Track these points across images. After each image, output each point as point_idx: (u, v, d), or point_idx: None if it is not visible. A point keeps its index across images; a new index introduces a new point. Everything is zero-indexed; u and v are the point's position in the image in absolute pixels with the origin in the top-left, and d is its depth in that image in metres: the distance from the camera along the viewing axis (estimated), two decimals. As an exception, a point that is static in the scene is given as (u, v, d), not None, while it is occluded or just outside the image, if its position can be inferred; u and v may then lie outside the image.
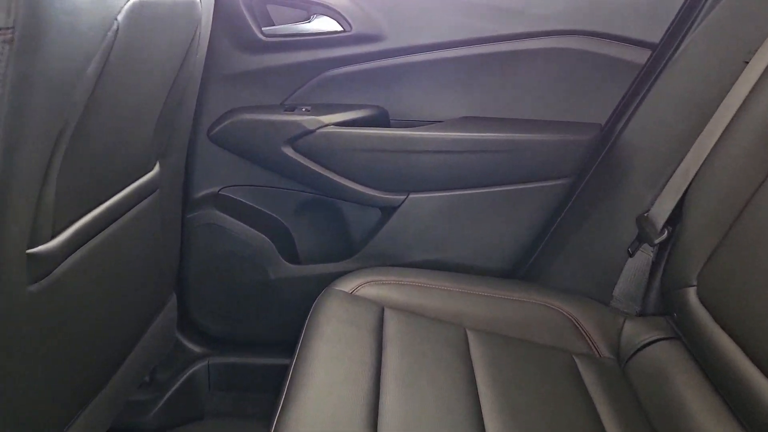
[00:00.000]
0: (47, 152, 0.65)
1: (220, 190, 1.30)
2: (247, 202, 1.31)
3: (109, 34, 0.66)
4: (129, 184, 0.92)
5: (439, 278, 1.17)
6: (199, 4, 0.90)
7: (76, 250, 0.78)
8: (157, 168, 1.01)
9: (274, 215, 1.32)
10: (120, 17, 0.67)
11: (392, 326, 1.01)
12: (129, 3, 0.68)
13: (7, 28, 0.53)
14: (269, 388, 1.32)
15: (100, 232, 0.84)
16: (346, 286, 1.11)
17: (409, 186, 1.22)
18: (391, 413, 0.82)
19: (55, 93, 0.61)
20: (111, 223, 0.87)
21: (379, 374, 0.89)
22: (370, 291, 1.11)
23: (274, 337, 1.33)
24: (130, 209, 0.93)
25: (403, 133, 1.18)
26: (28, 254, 0.68)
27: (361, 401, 0.82)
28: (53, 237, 0.73)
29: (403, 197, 1.23)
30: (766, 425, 0.74)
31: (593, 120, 1.19)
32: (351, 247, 1.30)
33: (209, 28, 1.04)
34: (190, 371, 1.33)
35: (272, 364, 1.32)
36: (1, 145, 0.57)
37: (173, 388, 1.32)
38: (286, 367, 0.91)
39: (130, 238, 0.94)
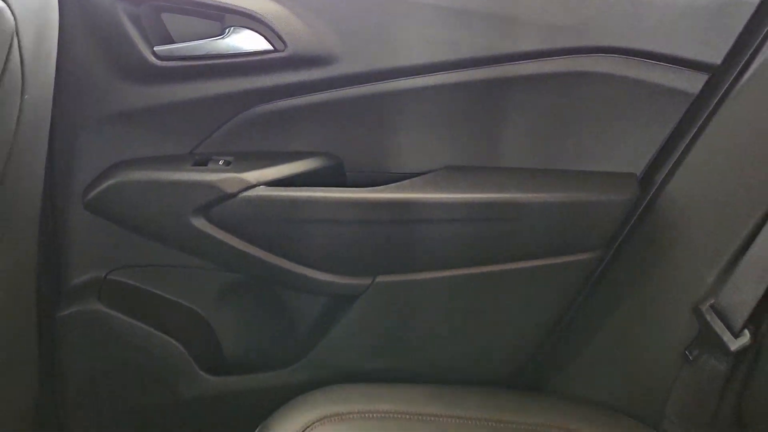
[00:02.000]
0: None
1: (107, 275, 0.92)
2: (147, 288, 0.93)
3: None
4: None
5: (422, 399, 0.82)
6: (8, 9, 0.53)
7: None
8: None
9: (187, 304, 0.95)
10: None
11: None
12: None
13: None
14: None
15: None
16: (293, 423, 0.76)
17: (376, 267, 0.87)
18: None
19: None
20: None
21: None
22: (329, 430, 0.75)
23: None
24: None
25: (364, 195, 0.83)
26: None
27: None
28: None
29: (367, 282, 0.87)
30: None
31: (625, 169, 0.87)
32: (294, 351, 0.94)
33: (54, 46, 0.67)
34: None
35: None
36: None
37: None
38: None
39: None
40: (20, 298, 0.78)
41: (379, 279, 0.87)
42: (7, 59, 0.56)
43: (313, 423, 0.76)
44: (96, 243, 0.90)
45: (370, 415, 0.78)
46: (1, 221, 0.67)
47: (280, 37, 0.81)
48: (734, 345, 0.75)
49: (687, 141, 0.84)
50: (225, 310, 0.96)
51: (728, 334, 0.76)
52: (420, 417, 0.79)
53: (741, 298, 0.75)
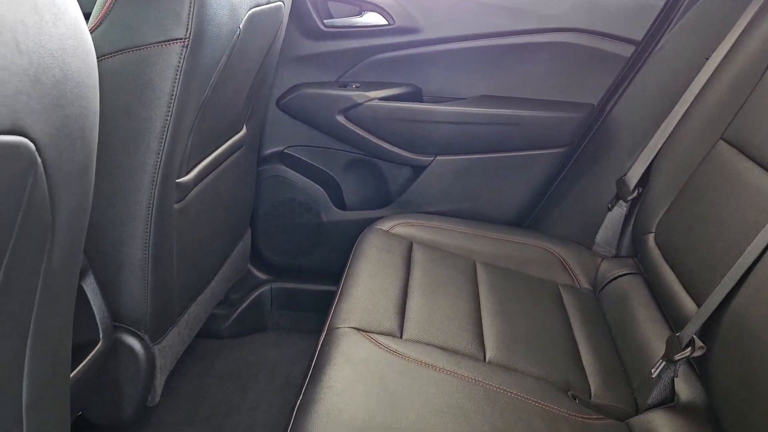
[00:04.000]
0: (194, 116, 0.98)
1: (284, 149, 1.62)
2: (306, 160, 1.63)
3: (234, 37, 0.98)
4: (227, 141, 1.25)
5: (457, 223, 1.49)
6: (284, 7, 1.22)
7: (197, 185, 1.12)
8: (244, 130, 1.34)
9: (327, 171, 1.64)
10: (242, 25, 0.99)
11: (418, 255, 1.33)
12: (247, 14, 1.00)
13: (185, 38, 0.85)
14: (319, 309, 1.66)
15: (209, 174, 1.18)
16: (384, 225, 1.44)
17: (436, 150, 1.53)
18: (414, 309, 1.14)
19: (204, 78, 0.94)
20: (215, 169, 1.21)
21: (407, 285, 1.21)
22: (402, 230, 1.43)
23: (323, 268, 1.66)
24: (226, 159, 1.26)
25: (432, 107, 1.49)
26: (177, 182, 1.02)
27: (394, 299, 1.15)
28: (187, 173, 1.06)
29: (431, 159, 1.54)
30: (682, 326, 1.05)
31: (587, 101, 1.48)
32: (387, 198, 1.62)
33: (286, 23, 1.36)
34: (257, 293, 1.67)
35: (322, 290, 1.66)
36: (175, 112, 0.90)
37: (243, 306, 1.66)
38: (333, 292, 1.22)
39: (225, 181, 1.28)
40: (252, 156, 1.48)
41: (438, 157, 1.54)
42: (277, 33, 1.25)
43: (395, 225, 1.44)
44: (280, 130, 1.60)
45: (426, 225, 1.45)
46: (257, 109, 1.37)
47: (391, 16, 1.48)
48: (629, 196, 1.36)
49: (625, 85, 1.45)
50: (348, 174, 1.64)
51: (628, 191, 1.37)
52: (454, 230, 1.46)
53: (636, 171, 1.37)
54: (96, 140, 0.60)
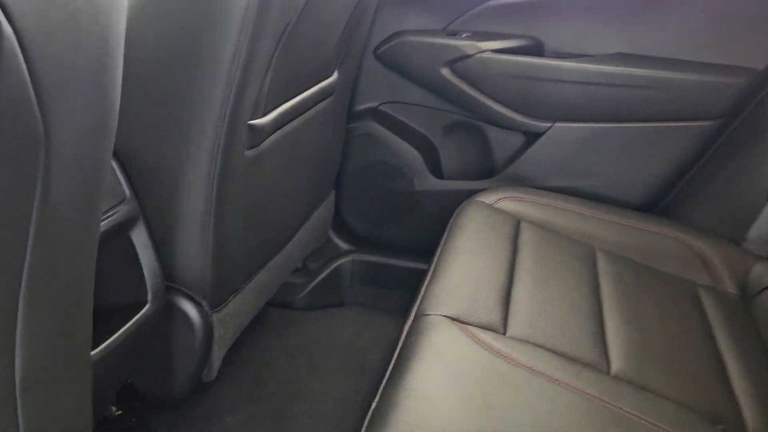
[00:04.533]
0: (273, 47, 0.80)
1: (378, 106, 1.44)
2: (401, 119, 1.44)
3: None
4: (314, 85, 1.07)
5: (574, 203, 1.25)
6: None
7: (276, 131, 0.95)
8: (335, 76, 1.16)
9: (424, 132, 1.44)
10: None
11: (527, 236, 1.11)
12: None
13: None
14: (404, 288, 1.48)
15: (290, 121, 1.00)
16: (487, 198, 1.23)
17: (555, 115, 1.30)
18: (521, 300, 0.93)
19: (287, 4, 0.76)
20: (298, 116, 1.03)
21: (513, 270, 1.01)
22: (509, 205, 1.22)
23: (413, 243, 1.47)
24: (312, 107, 1.09)
25: (555, 63, 1.25)
26: (249, 124, 0.85)
27: (497, 285, 0.94)
28: (264, 115, 0.90)
29: (548, 125, 1.31)
30: None
31: (751, 66, 1.20)
32: (491, 168, 1.41)
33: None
34: (337, 264, 1.51)
35: (409, 267, 1.47)
36: (250, 37, 0.73)
37: (321, 276, 1.50)
38: (423, 271, 1.04)
39: (309, 132, 1.10)
40: (342, 109, 1.31)
41: (557, 124, 1.30)
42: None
43: (501, 199, 1.22)
44: (376, 83, 1.41)
45: (538, 202, 1.23)
46: (350, 54, 1.19)
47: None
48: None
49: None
50: (447, 138, 1.44)
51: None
52: (571, 210, 1.23)
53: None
54: (121, 44, 0.43)
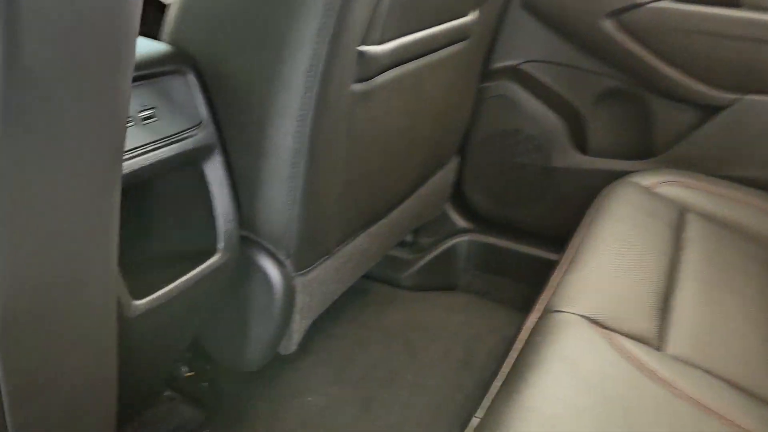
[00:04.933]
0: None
1: (519, 64, 1.23)
2: (546, 81, 1.22)
3: None
4: (445, 22, 0.89)
5: (757, 197, 0.99)
6: None
7: (393, 67, 0.78)
8: (472, 16, 0.98)
9: (571, 99, 1.22)
10: None
11: (695, 230, 0.87)
12: None
13: None
14: (527, 278, 1.27)
15: (413, 59, 0.83)
16: (643, 181, 1.00)
17: (749, 84, 1.03)
18: (684, 309, 0.71)
19: None
20: (423, 55, 0.86)
21: (675, 270, 0.78)
22: (671, 191, 0.98)
23: (543, 227, 1.26)
24: (439, 49, 0.91)
25: (756, 16, 0.98)
26: (359, 50, 0.69)
27: (653, 286, 0.72)
28: (381, 43, 0.73)
29: (734, 97, 1.04)
30: None
31: None
32: (650, 147, 1.16)
33: None
34: (451, 242, 1.33)
35: (536, 255, 1.26)
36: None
37: (432, 255, 1.33)
38: (551, 262, 0.84)
39: (433, 78, 0.93)
40: (475, 61, 1.12)
41: (749, 96, 1.04)
42: None
43: (660, 183, 0.99)
44: (520, 37, 1.20)
45: (710, 191, 0.98)
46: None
47: None
48: None
49: None
50: (599, 107, 1.21)
51: None
52: (754, 205, 0.97)
53: None
54: None
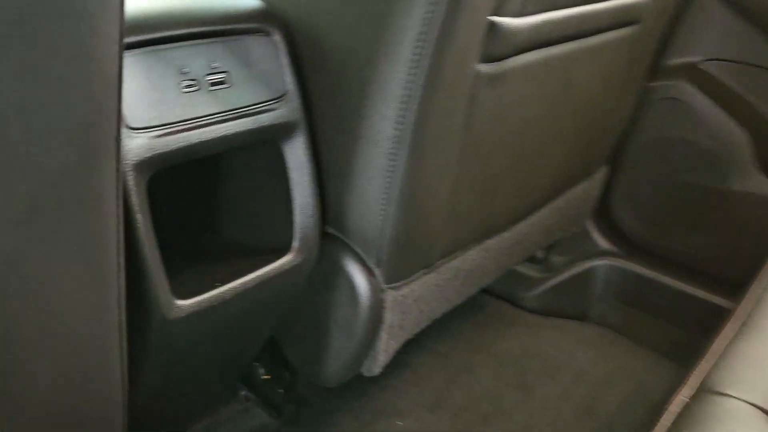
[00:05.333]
0: None
1: (700, 62, 1.01)
2: (731, 85, 0.99)
3: None
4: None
5: None
6: None
7: (532, 49, 0.63)
8: (646, -4, 0.79)
9: (762, 110, 0.98)
10: None
11: None
12: None
13: None
14: (679, 322, 1.06)
15: (560, 41, 0.67)
16: None
17: None
18: None
19: None
20: (574, 39, 0.69)
21: None
22: None
23: (710, 265, 1.04)
24: (598, 32, 0.73)
25: None
26: (489, 21, 0.54)
27: None
28: (520, 16, 0.58)
29: None
30: None
31: None
32: None
33: None
34: (589, 265, 1.14)
35: (695, 296, 1.04)
36: None
37: (564, 276, 1.15)
38: (717, 308, 0.65)
39: (586, 68, 0.75)
40: (644, 53, 0.93)
41: None
42: None
43: None
44: (704, 29, 0.99)
45: None
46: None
47: None
48: None
49: None
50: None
51: None
52: None
53: None
54: None
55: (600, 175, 1.04)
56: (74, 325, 0.35)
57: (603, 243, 1.16)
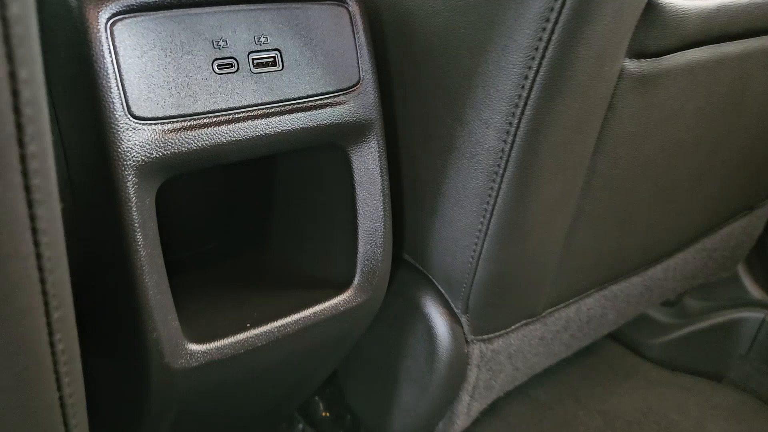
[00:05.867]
0: None
1: None
2: None
3: None
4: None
5: None
6: None
7: (703, 44, 0.46)
8: None
9: None
10: None
11: None
12: None
13: None
14: None
15: (739, 37, 0.49)
16: None
17: None
18: None
19: None
20: (755, 35, 0.51)
21: None
22: None
23: None
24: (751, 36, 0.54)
25: None
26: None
27: None
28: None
29: None
30: None
31: None
32: None
33: None
34: (735, 316, 0.95)
35: None
36: None
37: (701, 325, 0.98)
38: None
39: (764, 79, 0.57)
40: None
41: None
42: None
43: None
44: None
45: None
46: None
47: None
48: None
49: None
50: None
51: None
52: None
53: None
54: None
55: (763, 211, 0.83)
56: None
57: (755, 292, 0.94)
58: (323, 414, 0.71)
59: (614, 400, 0.91)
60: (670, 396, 0.93)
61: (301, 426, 0.73)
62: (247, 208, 0.49)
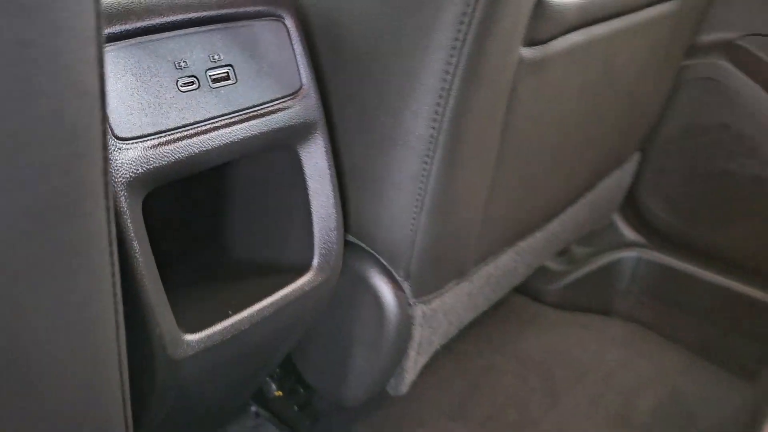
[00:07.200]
0: None
1: (738, 38, 0.93)
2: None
3: None
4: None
5: None
6: None
7: (577, 29, 0.55)
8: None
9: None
10: None
11: None
12: None
13: None
14: (717, 319, 0.99)
15: (605, 19, 0.59)
16: None
17: None
18: None
19: None
20: (617, 16, 0.61)
21: None
22: None
23: (751, 258, 0.97)
24: (640, 8, 0.65)
25: None
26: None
27: None
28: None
29: None
30: None
31: None
32: None
33: None
34: (615, 257, 1.07)
35: (735, 291, 0.97)
36: None
37: (588, 268, 1.09)
38: (754, 300, 0.58)
39: (627, 48, 0.67)
40: (687, 29, 0.85)
41: None
42: None
43: None
44: (741, 4, 0.91)
45: None
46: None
47: None
48: None
49: None
50: None
51: None
52: None
53: None
54: None
55: (632, 164, 0.96)
56: (69, 367, 0.28)
57: (630, 234, 1.08)
58: (276, 393, 0.76)
59: (525, 344, 1.02)
60: (571, 334, 1.06)
61: (253, 409, 0.78)
62: (210, 211, 0.52)
